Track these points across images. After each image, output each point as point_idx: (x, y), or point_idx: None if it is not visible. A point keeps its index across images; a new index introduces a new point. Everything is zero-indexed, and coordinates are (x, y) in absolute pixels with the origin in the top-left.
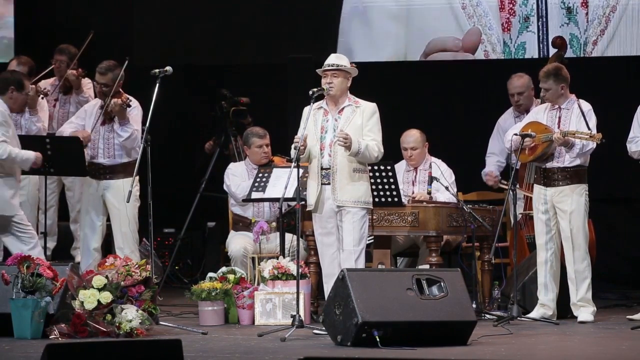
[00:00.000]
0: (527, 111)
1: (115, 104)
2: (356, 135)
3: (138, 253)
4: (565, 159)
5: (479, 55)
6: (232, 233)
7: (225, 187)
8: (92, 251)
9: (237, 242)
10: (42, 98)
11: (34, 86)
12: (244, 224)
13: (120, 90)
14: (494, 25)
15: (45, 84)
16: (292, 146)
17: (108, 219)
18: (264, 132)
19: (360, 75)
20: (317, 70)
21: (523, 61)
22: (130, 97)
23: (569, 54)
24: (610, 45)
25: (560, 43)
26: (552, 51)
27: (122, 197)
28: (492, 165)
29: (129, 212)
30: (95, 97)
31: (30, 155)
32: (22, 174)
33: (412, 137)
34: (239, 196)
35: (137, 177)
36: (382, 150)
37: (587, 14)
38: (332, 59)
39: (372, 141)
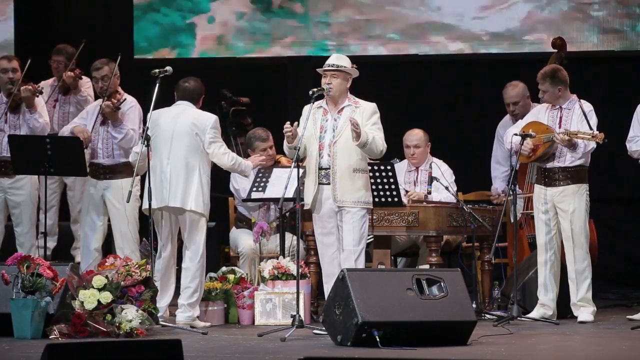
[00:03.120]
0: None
1: (106, 105)
2: None
3: (138, 253)
4: (567, 159)
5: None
6: (234, 230)
7: (232, 189)
8: (92, 251)
9: (246, 240)
10: (38, 96)
11: (29, 86)
12: (247, 223)
13: (118, 89)
14: None
15: (45, 84)
16: (285, 142)
17: (108, 219)
18: (267, 135)
19: (361, 74)
20: (317, 70)
21: (523, 61)
22: (127, 96)
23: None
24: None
25: (560, 44)
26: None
27: (123, 197)
28: (498, 180)
29: (129, 212)
30: (96, 97)
31: (249, 164)
32: (21, 174)
33: (415, 136)
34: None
35: (138, 177)
36: (386, 145)
37: None
38: (333, 59)
39: (377, 135)
